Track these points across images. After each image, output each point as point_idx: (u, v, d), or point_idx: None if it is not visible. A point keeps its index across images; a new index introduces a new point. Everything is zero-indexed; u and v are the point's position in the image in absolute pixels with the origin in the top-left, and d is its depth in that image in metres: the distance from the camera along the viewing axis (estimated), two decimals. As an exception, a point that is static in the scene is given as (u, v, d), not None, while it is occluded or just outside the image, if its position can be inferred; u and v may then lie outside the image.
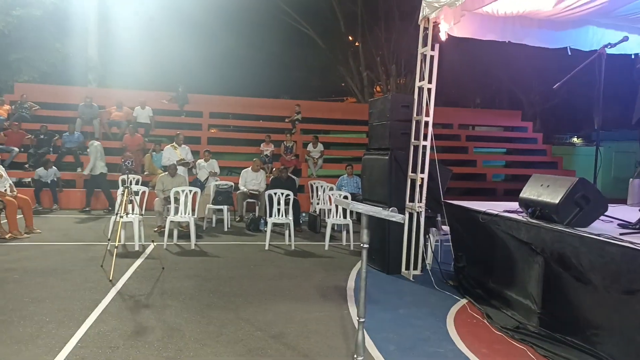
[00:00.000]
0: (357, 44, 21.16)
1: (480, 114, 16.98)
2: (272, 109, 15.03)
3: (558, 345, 3.29)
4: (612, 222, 3.89)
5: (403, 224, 5.21)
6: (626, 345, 2.85)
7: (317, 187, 9.16)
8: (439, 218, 5.51)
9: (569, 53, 5.42)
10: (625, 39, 4.32)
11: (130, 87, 14.80)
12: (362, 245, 2.73)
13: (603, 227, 3.59)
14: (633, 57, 4.97)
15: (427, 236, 5.48)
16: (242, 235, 7.52)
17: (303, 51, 21.34)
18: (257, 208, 8.55)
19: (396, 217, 2.73)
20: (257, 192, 8.53)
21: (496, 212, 4.28)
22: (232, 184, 8.69)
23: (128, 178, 5.70)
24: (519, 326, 3.68)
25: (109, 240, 5.71)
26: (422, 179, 5.21)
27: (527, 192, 4.04)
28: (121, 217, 5.30)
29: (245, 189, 8.60)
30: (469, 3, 4.32)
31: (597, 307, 3.11)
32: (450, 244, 5.23)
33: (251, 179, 8.71)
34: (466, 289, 4.66)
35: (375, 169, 5.74)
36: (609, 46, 4.30)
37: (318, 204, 8.97)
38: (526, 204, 4.03)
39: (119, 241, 5.51)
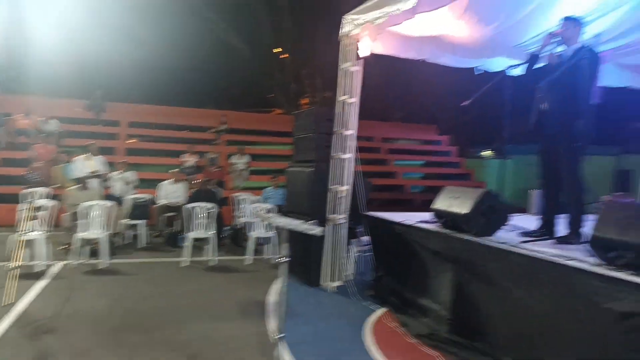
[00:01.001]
0: (284, 55, 21.33)
1: (400, 127, 17.72)
2: (196, 119, 14.67)
3: (466, 350, 3.47)
4: (514, 230, 4.20)
5: (324, 236, 5.27)
6: (527, 350, 3.06)
7: (241, 200, 9.02)
8: (359, 229, 5.64)
9: (478, 72, 5.84)
10: (524, 63, 4.69)
11: (41, 93, 13.76)
12: (281, 259, 2.71)
13: (506, 236, 3.86)
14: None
15: (349, 247, 5.58)
16: (160, 252, 7.20)
17: (230, 61, 21.09)
18: (177, 222, 8.24)
19: (314, 230, 2.74)
20: (177, 205, 8.23)
21: (411, 223, 4.46)
22: (151, 196, 8.33)
23: (32, 191, 5.26)
24: (432, 333, 3.84)
25: (9, 260, 5.22)
26: (344, 191, 5.31)
27: (439, 204, 4.26)
28: (23, 234, 4.87)
29: (164, 202, 8.26)
30: (387, 22, 4.50)
31: (500, 313, 3.32)
32: (370, 254, 5.36)
33: (171, 191, 8.39)
34: (384, 298, 4.78)
35: (299, 181, 5.78)
36: (511, 68, 4.67)
37: (242, 217, 8.83)
38: (438, 215, 4.24)
39: (20, 261, 5.05)
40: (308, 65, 20.46)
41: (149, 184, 10.88)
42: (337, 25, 5.33)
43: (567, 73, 3.69)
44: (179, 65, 19.73)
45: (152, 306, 4.44)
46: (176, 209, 8.18)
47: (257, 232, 6.81)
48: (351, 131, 5.34)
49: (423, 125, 17.92)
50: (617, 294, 2.48)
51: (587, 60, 3.63)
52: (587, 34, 4.06)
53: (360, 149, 5.37)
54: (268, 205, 7.30)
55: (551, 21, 4.41)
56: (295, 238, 4.63)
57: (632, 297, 2.40)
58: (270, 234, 6.79)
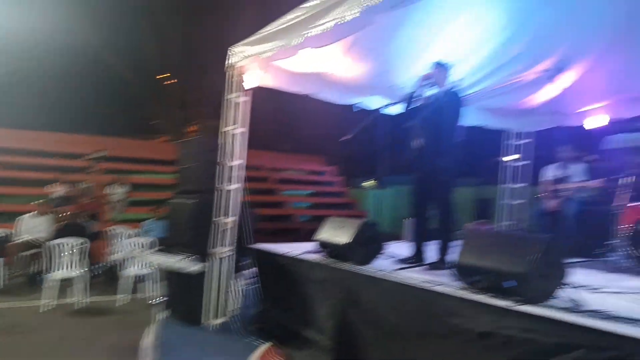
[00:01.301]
0: (171, 81, 20.64)
1: (288, 158, 18.03)
2: (68, 145, 13.44)
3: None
4: (390, 258, 4.44)
5: (209, 271, 5.08)
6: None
7: (117, 234, 8.36)
8: (245, 262, 5.54)
9: (355, 110, 6.19)
10: (398, 102, 5.10)
11: None
12: (157, 298, 2.53)
13: (383, 264, 4.07)
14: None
15: (234, 281, 5.44)
16: (18, 295, 6.35)
17: (110, 83, 19.81)
18: (40, 260, 7.35)
19: (192, 267, 2.62)
20: (40, 242, 7.37)
21: (296, 254, 4.51)
22: (9, 231, 7.37)
23: None
24: (316, 364, 3.86)
25: None
26: (230, 222, 5.20)
27: (323, 234, 4.37)
28: None
29: (25, 238, 7.35)
30: (274, 56, 4.60)
31: (378, 339, 3.46)
32: (256, 287, 5.28)
33: (33, 226, 7.51)
34: (270, 332, 4.71)
35: (182, 213, 5.52)
36: (386, 107, 5.05)
37: (117, 252, 8.17)
38: (322, 245, 4.35)
39: None
40: (197, 91, 20.02)
41: (8, 217, 9.64)
42: (226, 52, 5.33)
43: (435, 113, 4.07)
44: (49, 87, 18.06)
45: (3, 360, 3.87)
46: (39, 245, 7.33)
47: (134, 269, 6.34)
48: (238, 161, 5.29)
49: (310, 156, 18.44)
50: (477, 316, 2.73)
51: (452, 101, 4.06)
52: (454, 77, 4.53)
53: (248, 179, 5.35)
54: (148, 239, 6.87)
55: (424, 64, 4.85)
56: (176, 274, 4.41)
57: (489, 317, 2.66)
58: (149, 270, 6.36)
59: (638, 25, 5.29)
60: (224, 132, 5.34)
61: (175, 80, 20.38)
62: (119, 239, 8.15)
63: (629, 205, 5.09)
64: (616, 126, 6.53)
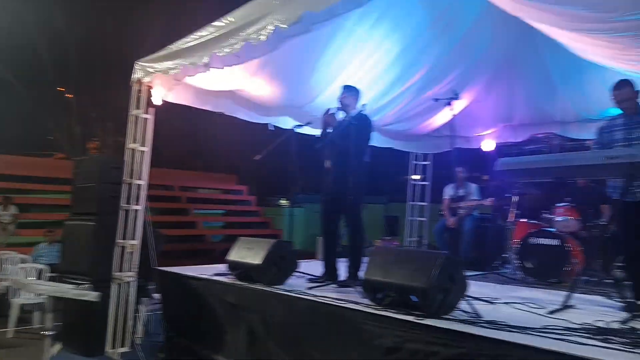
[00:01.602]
0: (69, 95, 19.23)
1: (201, 176, 17.54)
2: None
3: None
4: (303, 277, 4.46)
5: (107, 298, 4.73)
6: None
7: (4, 259, 7.53)
8: (151, 286, 5.25)
9: (271, 128, 6.21)
10: (309, 122, 5.21)
11: None
12: (48, 331, 2.31)
13: (296, 283, 4.07)
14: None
15: (138, 307, 5.12)
16: None
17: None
18: None
19: (89, 295, 2.43)
20: None
21: (206, 276, 4.36)
22: None
23: None
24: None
25: None
26: (133, 245, 4.90)
27: (234, 255, 4.27)
28: None
29: None
30: (180, 74, 4.48)
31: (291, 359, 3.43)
32: (163, 313, 5.01)
33: None
34: (178, 359, 4.49)
35: (79, 236, 5.11)
36: (297, 127, 5.13)
37: (5, 279, 7.34)
38: (233, 266, 4.25)
39: None
40: (99, 106, 18.83)
41: None
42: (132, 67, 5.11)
43: (344, 135, 4.19)
44: None
45: None
46: None
47: (24, 298, 5.73)
48: (142, 181, 5.05)
49: (224, 174, 18.09)
50: (384, 331, 2.81)
51: (361, 125, 4.20)
52: (363, 102, 4.72)
53: (158, 198, 5.11)
54: (39, 265, 6.26)
55: (335, 88, 5.00)
56: (73, 302, 4.04)
57: (395, 333, 2.75)
58: (41, 299, 5.78)
59: (516, 61, 6.00)
60: (129, 149, 5.08)
61: (72, 96, 19.01)
62: (7, 265, 7.34)
63: (519, 221, 5.60)
64: (506, 149, 7.21)
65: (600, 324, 2.74)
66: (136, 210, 4.93)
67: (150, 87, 4.99)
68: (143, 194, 5.04)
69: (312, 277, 4.36)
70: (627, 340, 2.43)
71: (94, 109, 18.96)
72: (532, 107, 6.50)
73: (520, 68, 6.08)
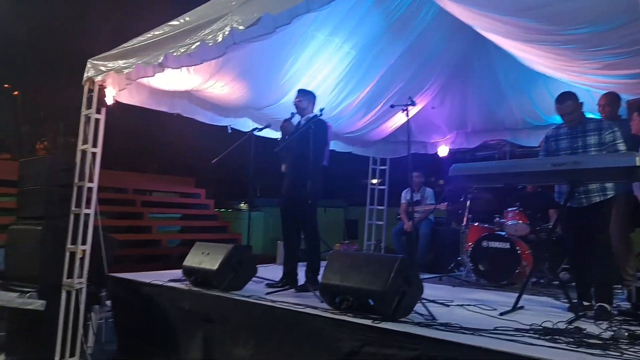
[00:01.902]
0: (15, 92, 18.29)
1: (157, 179, 17.05)
2: None
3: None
4: (262, 282, 4.42)
5: (56, 306, 4.52)
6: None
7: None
8: (103, 293, 5.05)
9: (230, 131, 6.13)
10: (268, 126, 5.18)
11: None
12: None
13: (254, 288, 4.03)
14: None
15: (89, 315, 4.92)
16: None
17: None
18: None
19: (34, 304, 2.31)
20: None
21: (161, 283, 4.24)
22: None
23: None
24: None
25: None
26: (84, 251, 4.71)
27: (190, 260, 4.19)
28: None
29: None
30: (133, 73, 4.35)
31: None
32: (115, 321, 4.83)
33: None
34: (130, 369, 4.34)
35: (25, 242, 4.85)
36: (257, 130, 5.09)
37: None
38: (189, 272, 4.15)
39: None
40: (48, 105, 18.02)
41: None
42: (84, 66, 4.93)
43: (300, 139, 4.18)
44: None
45: None
46: None
47: (-38, 308, 5.38)
48: (93, 184, 4.86)
49: (181, 177, 17.68)
50: (342, 335, 2.82)
51: (316, 128, 4.19)
52: (320, 106, 4.74)
53: (111, 202, 4.93)
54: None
55: (293, 91, 5.00)
56: (19, 310, 3.84)
57: (353, 336, 2.77)
58: (-18, 308, 5.45)
59: (469, 69, 6.24)
60: (79, 150, 4.88)
61: (17, 93, 18.10)
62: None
63: (472, 225, 5.77)
64: (460, 155, 7.44)
65: (547, 325, 2.86)
66: (87, 214, 4.75)
67: (103, 86, 4.83)
68: (94, 197, 4.86)
69: (271, 282, 4.33)
70: (572, 340, 2.55)
71: (43, 107, 18.13)
72: (484, 115, 6.76)
73: (473, 76, 6.33)
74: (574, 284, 3.93)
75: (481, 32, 4.83)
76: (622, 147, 3.46)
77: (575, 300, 3.60)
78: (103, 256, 4.73)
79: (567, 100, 3.58)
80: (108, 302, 5.02)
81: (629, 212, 4.16)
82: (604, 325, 2.98)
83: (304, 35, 4.79)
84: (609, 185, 3.50)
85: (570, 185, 3.37)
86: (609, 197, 3.51)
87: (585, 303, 3.57)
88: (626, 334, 2.64)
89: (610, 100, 4.41)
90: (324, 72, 5.41)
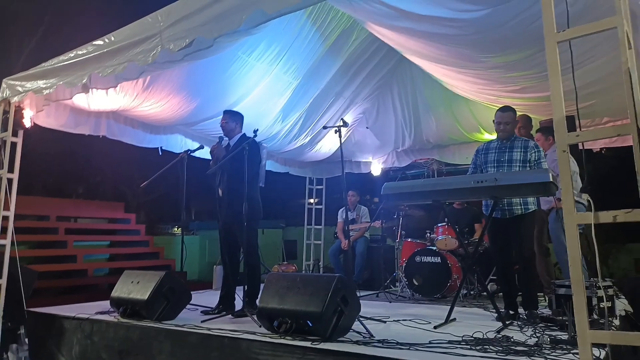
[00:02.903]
0: None
1: (82, 205, 16.09)
2: None
3: None
4: (197, 309, 4.26)
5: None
6: None
7: None
8: (21, 330, 4.65)
9: (160, 153, 5.94)
10: (202, 147, 5.07)
11: None
12: None
13: (188, 316, 3.87)
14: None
15: (6, 355, 4.50)
16: None
17: None
18: None
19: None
20: None
21: (86, 316, 3.97)
22: None
23: None
24: None
25: None
26: (-1, 285, 4.33)
27: (119, 291, 3.96)
28: None
29: None
30: (54, 94, 4.13)
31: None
32: (34, 360, 4.44)
33: None
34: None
35: None
36: (190, 152, 4.96)
37: None
38: (117, 303, 3.93)
39: None
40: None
41: None
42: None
43: (234, 161, 4.11)
44: None
45: None
46: None
47: None
48: (9, 212, 4.51)
49: (109, 202, 16.80)
50: (281, 359, 2.77)
51: (250, 149, 4.13)
52: (252, 127, 4.72)
53: (31, 230, 4.57)
54: None
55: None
56: None
57: (292, 359, 2.73)
58: None
59: (396, 90, 6.55)
60: (-6, 176, 4.52)
61: None
62: None
63: (405, 241, 5.94)
64: (393, 173, 7.68)
65: (478, 335, 2.98)
66: (2, 245, 4.38)
67: (20, 108, 4.53)
68: (10, 226, 4.51)
69: (207, 308, 4.19)
70: (501, 349, 2.68)
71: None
72: (413, 133, 7.05)
73: (401, 95, 6.63)
74: (501, 294, 4.14)
75: (406, 56, 5.09)
76: (545, 165, 3.82)
77: (503, 310, 3.79)
78: (21, 290, 4.37)
79: (509, 111, 3.90)
80: (27, 340, 4.63)
81: (545, 224, 4.49)
82: (529, 332, 3.16)
83: (238, 59, 4.80)
84: (530, 199, 3.78)
85: (493, 200, 3.59)
86: (530, 210, 3.79)
87: (511, 312, 3.78)
88: (549, 339, 2.81)
89: (525, 122, 4.84)
90: (260, 95, 5.42)
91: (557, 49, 1.94)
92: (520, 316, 3.73)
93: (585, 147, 4.66)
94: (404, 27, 3.96)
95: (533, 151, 3.80)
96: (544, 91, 4.50)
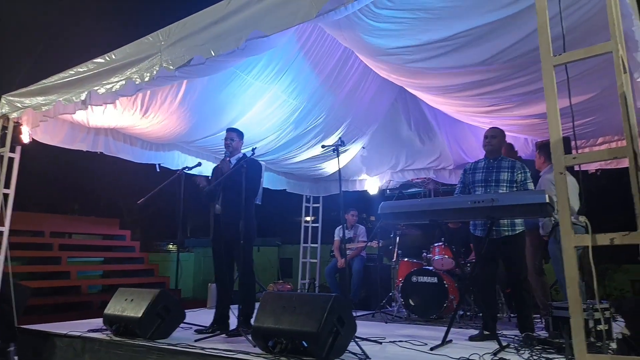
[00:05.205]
0: None
1: (77, 221, 15.99)
2: None
3: None
4: (191, 328, 4.21)
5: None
6: None
7: None
8: (11, 348, 4.57)
9: (158, 170, 5.93)
10: (199, 164, 5.08)
11: None
12: None
13: (182, 335, 3.82)
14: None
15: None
16: None
17: None
18: None
19: None
20: None
21: (79, 334, 3.92)
22: None
23: None
24: None
25: None
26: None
27: (112, 308, 3.92)
28: None
29: None
30: (53, 111, 4.14)
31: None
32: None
33: None
34: None
35: None
36: (187, 169, 4.96)
37: None
38: (110, 321, 3.88)
39: None
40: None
41: None
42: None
43: (231, 179, 4.13)
44: None
45: None
46: None
47: None
48: (4, 227, 4.50)
49: (104, 218, 16.70)
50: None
51: (247, 167, 4.15)
52: (254, 145, 4.73)
53: (25, 246, 4.53)
54: None
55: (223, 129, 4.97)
56: None
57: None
58: None
59: (397, 116, 6.64)
60: (-9, 192, 4.51)
61: None
62: None
63: (402, 260, 5.91)
64: (390, 192, 7.68)
65: (474, 358, 2.95)
66: (-4, 261, 4.35)
67: (19, 124, 4.55)
68: (5, 241, 4.48)
69: (201, 327, 4.14)
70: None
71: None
72: (410, 154, 7.09)
73: (402, 117, 6.69)
74: (498, 314, 4.11)
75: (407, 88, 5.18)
76: (531, 186, 3.86)
77: (499, 332, 3.75)
78: (13, 307, 4.31)
79: (498, 129, 4.03)
80: (16, 358, 4.56)
81: (540, 244, 4.49)
82: (526, 355, 3.12)
83: (237, 77, 4.82)
84: (518, 221, 3.81)
85: (489, 220, 3.59)
86: (517, 232, 3.80)
87: (486, 332, 3.73)
88: (545, 361, 2.79)
89: (509, 151, 4.98)
90: (261, 114, 5.44)
91: (553, 72, 1.97)
92: (516, 338, 3.70)
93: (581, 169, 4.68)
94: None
95: (520, 172, 3.86)
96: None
